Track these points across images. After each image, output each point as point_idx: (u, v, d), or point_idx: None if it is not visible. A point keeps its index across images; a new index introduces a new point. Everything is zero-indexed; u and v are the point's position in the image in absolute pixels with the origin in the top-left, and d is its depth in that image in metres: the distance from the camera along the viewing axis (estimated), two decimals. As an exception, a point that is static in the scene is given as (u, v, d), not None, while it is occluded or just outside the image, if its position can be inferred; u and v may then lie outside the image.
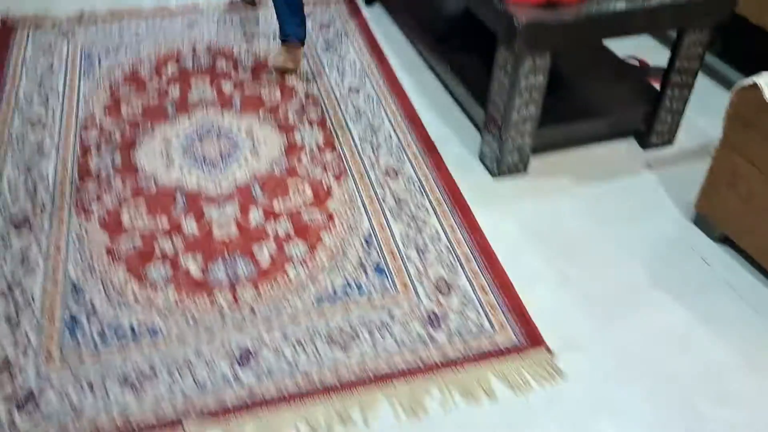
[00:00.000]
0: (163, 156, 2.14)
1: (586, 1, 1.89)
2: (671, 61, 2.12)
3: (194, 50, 2.67)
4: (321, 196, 2.04)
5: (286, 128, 2.30)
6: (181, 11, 2.92)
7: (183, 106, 2.37)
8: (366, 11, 3.02)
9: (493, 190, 2.11)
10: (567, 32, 1.88)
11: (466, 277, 1.80)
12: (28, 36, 2.70)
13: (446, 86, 2.54)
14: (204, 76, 2.52)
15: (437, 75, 2.61)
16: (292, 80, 2.53)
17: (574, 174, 2.18)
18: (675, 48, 2.09)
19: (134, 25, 2.81)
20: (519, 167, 2.14)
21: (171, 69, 2.55)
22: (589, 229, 1.99)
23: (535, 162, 2.19)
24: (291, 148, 2.21)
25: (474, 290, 1.76)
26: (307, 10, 2.97)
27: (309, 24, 2.87)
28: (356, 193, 2.06)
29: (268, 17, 2.92)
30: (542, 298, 1.76)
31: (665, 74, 2.16)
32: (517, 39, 1.83)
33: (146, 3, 2.96)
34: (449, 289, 1.76)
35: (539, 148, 2.18)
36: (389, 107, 2.43)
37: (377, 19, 2.97)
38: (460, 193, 2.07)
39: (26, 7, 2.87)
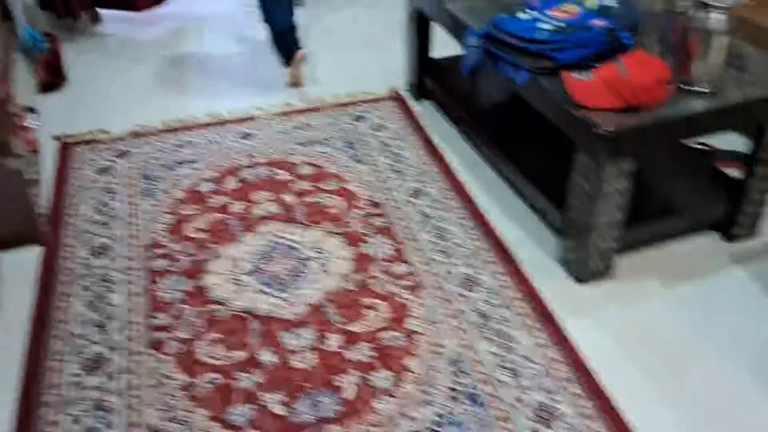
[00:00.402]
0: (233, 279, 2.08)
1: (664, 104, 1.84)
2: (754, 153, 2.04)
3: (252, 161, 2.65)
4: (398, 313, 1.96)
5: (352, 239, 2.24)
6: (234, 120, 2.91)
7: (247, 222, 2.32)
8: (417, 108, 3.00)
9: (579, 299, 2.01)
10: (649, 137, 1.82)
11: (567, 401, 1.68)
12: (85, 157, 2.70)
13: (510, 183, 2.47)
14: (264, 189, 2.48)
15: (498, 170, 2.55)
16: (353, 186, 2.49)
17: (660, 275, 2.07)
18: (757, 140, 2.01)
19: (189, 137, 2.81)
20: (604, 272, 2.04)
21: (231, 183, 2.52)
22: (685, 336, 1.88)
23: (619, 264, 2.09)
24: (360, 261, 2.14)
25: (578, 417, 1.64)
26: (355, 111, 2.97)
27: (362, 126, 2.86)
28: (434, 308, 1.97)
29: (320, 121, 2.91)
30: (650, 420, 1.64)
31: (748, 165, 2.07)
32: (601, 147, 1.77)
33: (198, 112, 2.97)
34: (552, 416, 1.65)
35: (621, 249, 2.08)
36: (455, 210, 2.37)
37: (429, 116, 2.93)
38: (545, 304, 1.97)
39: (80, 126, 2.88)
